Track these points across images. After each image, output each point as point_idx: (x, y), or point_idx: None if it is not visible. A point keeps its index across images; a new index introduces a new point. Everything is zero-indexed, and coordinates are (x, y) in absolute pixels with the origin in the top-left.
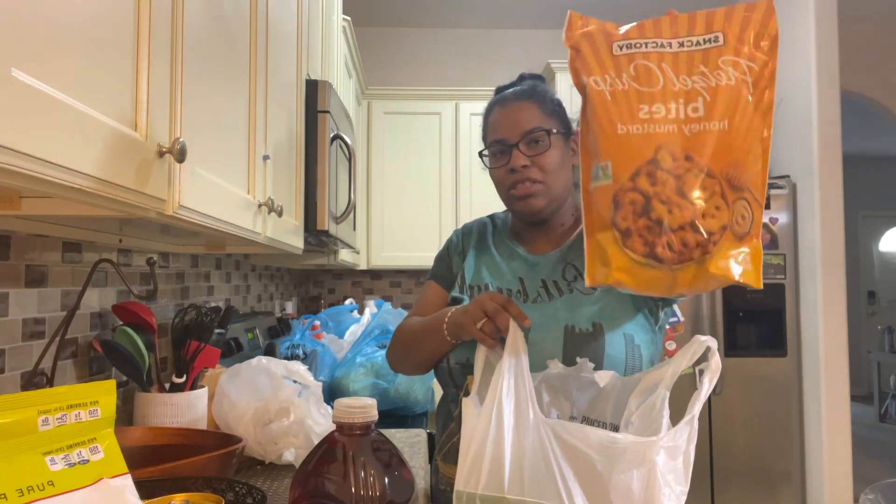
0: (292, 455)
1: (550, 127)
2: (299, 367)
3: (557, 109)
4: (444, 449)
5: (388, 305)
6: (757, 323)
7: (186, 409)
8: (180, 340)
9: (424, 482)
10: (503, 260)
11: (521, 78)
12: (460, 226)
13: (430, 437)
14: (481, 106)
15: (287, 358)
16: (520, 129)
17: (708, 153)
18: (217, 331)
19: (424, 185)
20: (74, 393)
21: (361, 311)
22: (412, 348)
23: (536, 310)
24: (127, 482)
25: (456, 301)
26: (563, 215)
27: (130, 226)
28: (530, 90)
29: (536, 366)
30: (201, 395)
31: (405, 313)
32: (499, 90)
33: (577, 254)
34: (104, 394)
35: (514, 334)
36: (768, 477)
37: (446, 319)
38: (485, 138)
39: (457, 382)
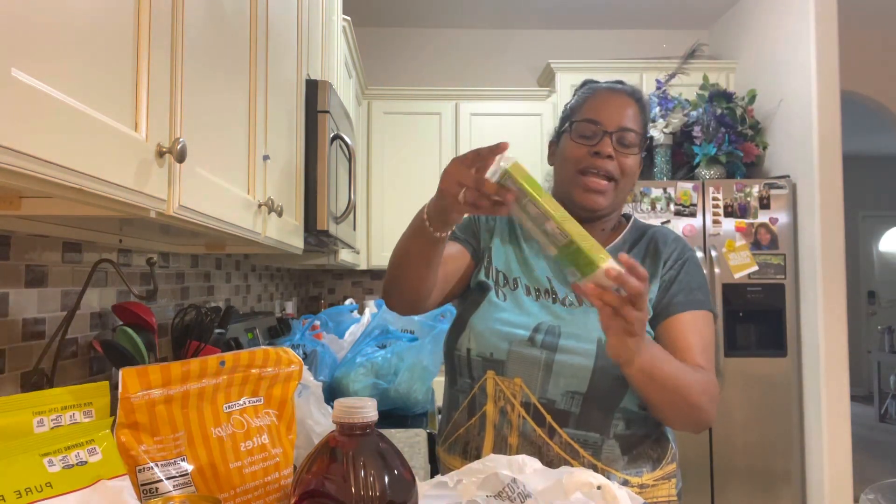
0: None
1: (643, 136)
2: None
3: (646, 125)
4: (448, 440)
5: None
6: (757, 323)
7: None
8: (180, 340)
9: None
10: (532, 255)
11: (620, 83)
12: None
13: (430, 436)
14: (481, 106)
15: None
16: (620, 122)
17: None
18: (217, 331)
19: (424, 186)
20: (68, 394)
21: (361, 311)
22: (402, 264)
23: (567, 312)
24: (125, 483)
25: (482, 287)
26: (608, 220)
27: (130, 226)
28: (639, 94)
29: (562, 384)
30: None
31: None
32: (587, 82)
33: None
34: (98, 395)
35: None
36: (768, 476)
37: (426, 213)
38: (570, 114)
39: (474, 374)
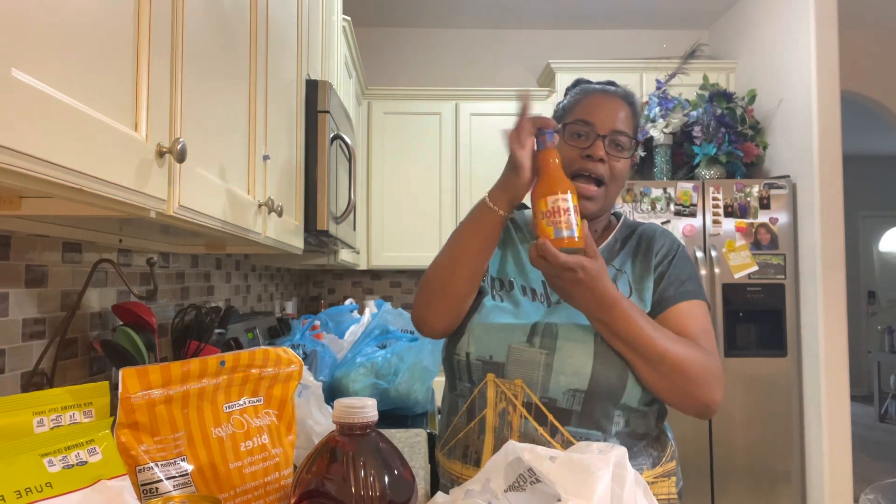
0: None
1: (634, 139)
2: None
3: (637, 128)
4: (447, 444)
5: (388, 305)
6: (757, 323)
7: None
8: (180, 340)
9: (424, 482)
10: (528, 258)
11: (613, 84)
12: None
13: (430, 436)
14: (481, 106)
15: None
16: (613, 125)
17: None
18: (217, 331)
19: (424, 185)
20: (68, 394)
21: (361, 312)
22: (456, 263)
23: (563, 311)
24: (125, 483)
25: (479, 292)
26: (599, 221)
27: (130, 226)
28: (631, 98)
29: (563, 382)
30: None
31: (405, 313)
32: (580, 81)
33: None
34: (98, 395)
35: None
36: (768, 476)
37: (489, 198)
38: (563, 114)
39: (473, 378)
